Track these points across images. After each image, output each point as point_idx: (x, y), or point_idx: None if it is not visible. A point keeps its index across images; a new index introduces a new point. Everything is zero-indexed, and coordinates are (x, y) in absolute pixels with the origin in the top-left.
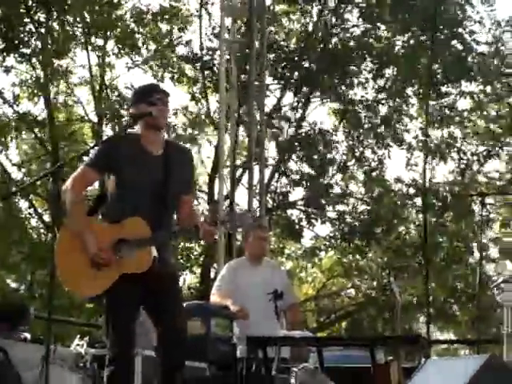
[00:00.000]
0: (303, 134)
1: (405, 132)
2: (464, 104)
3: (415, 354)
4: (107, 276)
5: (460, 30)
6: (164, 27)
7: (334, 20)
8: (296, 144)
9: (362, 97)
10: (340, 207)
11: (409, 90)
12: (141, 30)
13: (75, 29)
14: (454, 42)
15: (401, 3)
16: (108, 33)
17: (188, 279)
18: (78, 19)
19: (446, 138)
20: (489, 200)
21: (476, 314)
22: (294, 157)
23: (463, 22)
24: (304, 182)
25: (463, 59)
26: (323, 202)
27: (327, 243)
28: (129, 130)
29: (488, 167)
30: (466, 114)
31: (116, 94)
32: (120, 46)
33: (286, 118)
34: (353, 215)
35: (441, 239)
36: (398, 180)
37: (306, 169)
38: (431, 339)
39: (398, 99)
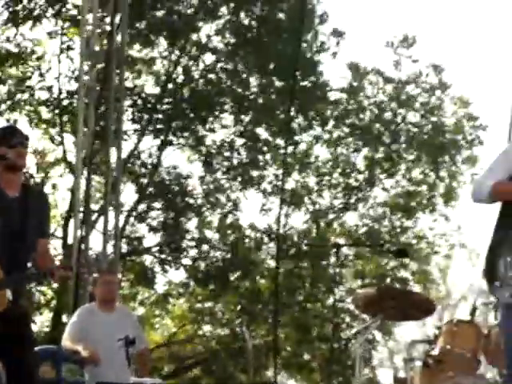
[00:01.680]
0: (160, 179)
1: (260, 178)
2: (321, 153)
3: None
4: None
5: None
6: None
7: (192, 64)
8: (152, 189)
9: (222, 141)
10: (195, 252)
11: (265, 135)
12: None
13: None
14: (312, 88)
15: (261, 49)
16: None
17: (39, 323)
18: None
19: (301, 185)
20: (345, 251)
21: (328, 358)
22: (150, 202)
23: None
24: (160, 228)
25: (320, 107)
26: (179, 246)
27: (180, 290)
28: None
29: (345, 218)
30: (320, 163)
31: None
32: None
33: (143, 163)
34: (208, 260)
35: (297, 285)
36: (253, 227)
37: (162, 214)
38: None
39: (254, 144)
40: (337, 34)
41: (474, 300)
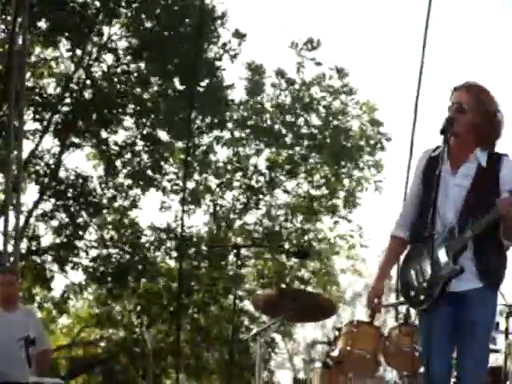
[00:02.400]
0: (60, 179)
1: (161, 176)
2: (222, 154)
3: None
4: None
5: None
6: None
7: (94, 65)
8: (53, 189)
9: (123, 142)
10: (95, 253)
11: (166, 136)
12: None
13: None
14: (212, 90)
15: (162, 51)
16: None
17: None
18: None
19: (201, 185)
20: (245, 252)
21: (228, 360)
22: (50, 202)
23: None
24: (59, 228)
25: (220, 109)
26: (77, 247)
27: (78, 290)
28: None
29: (246, 219)
30: (221, 164)
31: None
32: None
33: (45, 163)
34: (106, 260)
35: (196, 286)
36: (152, 227)
37: (62, 214)
38: None
39: (155, 146)
40: (238, 35)
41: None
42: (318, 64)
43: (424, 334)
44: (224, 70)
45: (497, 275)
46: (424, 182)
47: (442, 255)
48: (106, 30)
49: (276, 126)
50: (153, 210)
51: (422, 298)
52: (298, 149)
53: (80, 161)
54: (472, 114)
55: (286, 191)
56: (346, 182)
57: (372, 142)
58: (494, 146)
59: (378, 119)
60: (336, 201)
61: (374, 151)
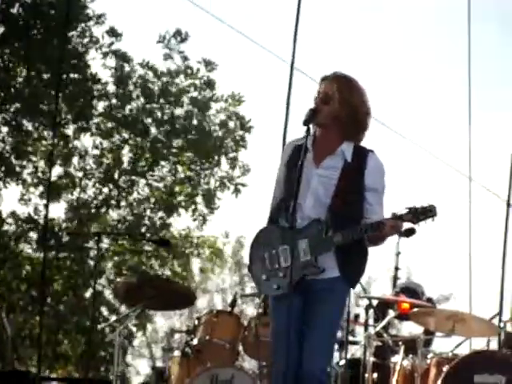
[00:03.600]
0: None
1: (21, 168)
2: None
3: None
4: None
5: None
6: None
7: None
8: None
9: None
10: None
11: (30, 127)
12: None
13: None
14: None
15: (29, 39)
16: None
17: None
18: None
19: (63, 176)
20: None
21: (85, 350)
22: None
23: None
24: None
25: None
26: None
27: None
28: None
29: (107, 211)
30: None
31: None
32: None
33: None
34: None
35: (56, 276)
36: (14, 215)
37: None
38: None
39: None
40: (113, 33)
41: (234, 292)
42: (185, 57)
43: (275, 321)
44: (93, 59)
45: (356, 270)
46: (287, 172)
47: (303, 249)
48: None
49: (142, 118)
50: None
51: (275, 286)
52: (162, 142)
53: None
54: (337, 105)
55: (148, 184)
56: (208, 180)
57: (236, 136)
58: (360, 139)
59: (241, 113)
60: (197, 199)
61: (237, 147)
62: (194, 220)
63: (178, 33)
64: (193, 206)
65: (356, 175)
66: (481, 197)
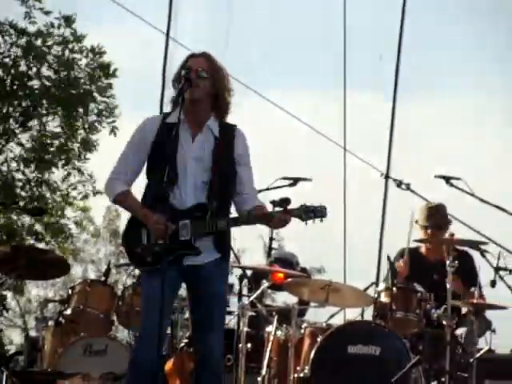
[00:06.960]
0: None
1: None
2: None
3: None
4: None
5: None
6: None
7: None
8: None
9: None
10: None
11: None
12: None
13: None
14: None
15: None
16: None
17: None
18: None
19: None
20: None
21: None
22: None
23: None
24: None
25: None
26: None
27: None
28: None
29: None
30: None
31: None
32: None
33: None
34: None
35: None
36: None
37: None
38: None
39: None
40: None
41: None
42: (47, 13)
43: (146, 295)
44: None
45: (229, 244)
46: (157, 148)
47: (183, 228)
48: None
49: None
50: None
51: (150, 259)
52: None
53: None
54: (211, 80)
55: (19, 144)
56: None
57: (101, 84)
58: (226, 116)
59: (106, 62)
60: (73, 146)
61: (104, 93)
62: (68, 174)
63: None
64: (64, 161)
65: (228, 152)
66: (356, 168)
